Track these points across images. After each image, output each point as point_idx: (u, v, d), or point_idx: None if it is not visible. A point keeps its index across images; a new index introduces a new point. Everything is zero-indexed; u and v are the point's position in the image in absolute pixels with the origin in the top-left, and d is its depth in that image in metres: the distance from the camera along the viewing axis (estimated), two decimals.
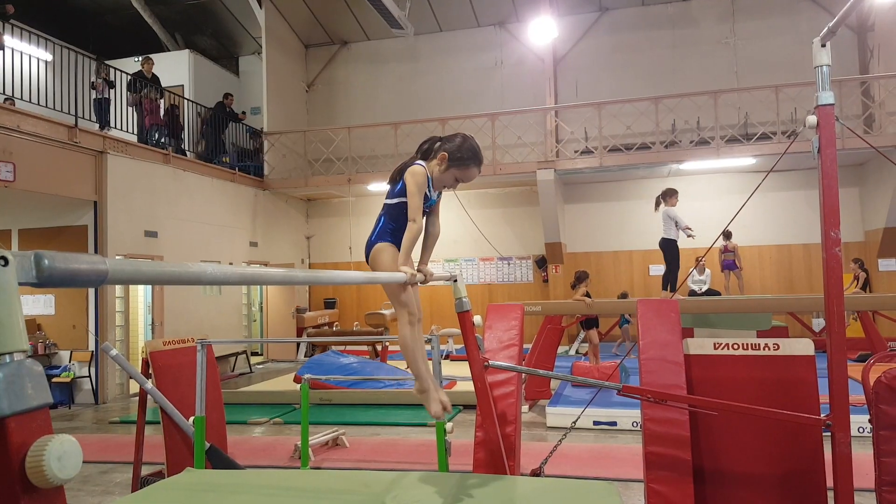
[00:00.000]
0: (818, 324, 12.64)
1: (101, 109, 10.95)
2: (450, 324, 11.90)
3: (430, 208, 2.83)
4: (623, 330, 12.78)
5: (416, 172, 2.68)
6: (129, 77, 11.68)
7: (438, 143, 2.78)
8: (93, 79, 10.94)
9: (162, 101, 12.22)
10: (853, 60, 14.24)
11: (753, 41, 14.66)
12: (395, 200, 2.74)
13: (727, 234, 12.49)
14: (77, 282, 1.04)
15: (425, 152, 2.80)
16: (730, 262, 13.14)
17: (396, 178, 2.77)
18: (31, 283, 0.98)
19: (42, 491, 0.93)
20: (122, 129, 11.18)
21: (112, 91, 11.23)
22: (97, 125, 10.74)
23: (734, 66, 14.60)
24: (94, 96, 10.94)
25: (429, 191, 2.72)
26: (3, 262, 0.94)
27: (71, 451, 0.94)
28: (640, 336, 3.81)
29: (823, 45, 3.03)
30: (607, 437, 7.06)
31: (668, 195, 8.75)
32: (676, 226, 8.67)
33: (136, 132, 11.58)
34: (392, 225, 2.75)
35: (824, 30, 2.98)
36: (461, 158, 2.71)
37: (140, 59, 12.68)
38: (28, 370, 0.95)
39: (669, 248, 8.76)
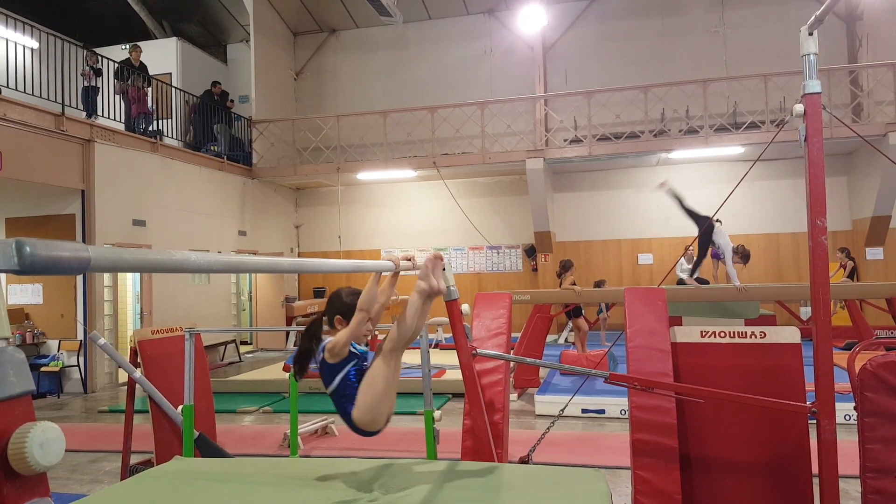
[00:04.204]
0: (806, 312, 12.72)
1: (89, 97, 10.85)
2: (438, 313, 11.87)
3: (365, 358, 2.56)
4: (600, 318, 12.81)
5: (332, 344, 2.45)
6: (117, 65, 11.57)
7: (323, 317, 2.59)
8: (83, 67, 10.83)
9: (150, 89, 12.12)
10: (842, 49, 14.28)
11: (742, 30, 14.68)
12: (336, 383, 2.46)
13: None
14: (60, 269, 1.03)
15: (322, 330, 2.58)
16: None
17: (308, 365, 2.52)
18: (13, 270, 0.98)
19: (24, 478, 0.92)
20: (109, 118, 11.09)
21: (99, 79, 11.13)
22: (84, 113, 10.64)
23: (723, 55, 14.61)
24: (84, 84, 10.83)
25: (354, 348, 2.51)
26: None
27: (53, 438, 0.93)
28: (627, 324, 3.83)
29: (811, 34, 3.03)
30: (595, 424, 7.10)
31: (741, 254, 8.72)
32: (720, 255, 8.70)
33: (123, 120, 11.49)
34: (352, 391, 2.44)
35: (812, 18, 2.98)
36: (351, 304, 2.52)
37: (128, 46, 12.56)
38: (10, 357, 0.95)
39: (701, 223, 8.54)
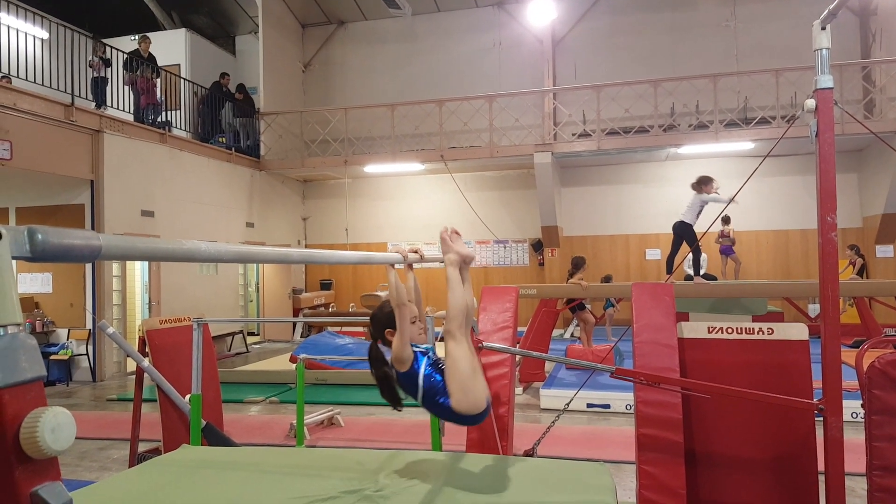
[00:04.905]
0: (814, 309, 12.67)
1: (98, 88, 10.88)
2: (445, 306, 11.88)
3: (434, 353, 2.58)
4: (607, 313, 12.79)
5: (393, 355, 2.47)
6: (126, 56, 11.59)
7: (378, 341, 2.57)
8: (90, 58, 10.87)
9: (159, 80, 12.14)
10: (855, 45, 14.15)
11: (754, 24, 14.57)
12: (421, 387, 2.44)
13: (725, 219, 12.47)
14: (71, 256, 1.04)
15: (381, 352, 2.58)
16: (726, 246, 13.14)
17: (396, 389, 2.52)
18: (25, 257, 0.99)
19: (36, 461, 0.93)
20: (118, 108, 11.12)
21: (109, 70, 11.16)
22: (94, 104, 10.68)
23: (734, 50, 14.51)
24: (92, 75, 10.86)
25: (416, 347, 2.50)
26: None
27: (64, 423, 0.94)
28: (633, 319, 3.82)
29: (823, 28, 3.01)
30: (600, 419, 7.10)
31: (705, 183, 8.52)
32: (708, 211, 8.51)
33: (132, 111, 11.52)
34: (439, 385, 2.42)
35: (825, 12, 2.96)
36: (391, 313, 2.52)
37: (137, 37, 12.58)
38: (22, 343, 0.96)
39: (686, 231, 8.61)
